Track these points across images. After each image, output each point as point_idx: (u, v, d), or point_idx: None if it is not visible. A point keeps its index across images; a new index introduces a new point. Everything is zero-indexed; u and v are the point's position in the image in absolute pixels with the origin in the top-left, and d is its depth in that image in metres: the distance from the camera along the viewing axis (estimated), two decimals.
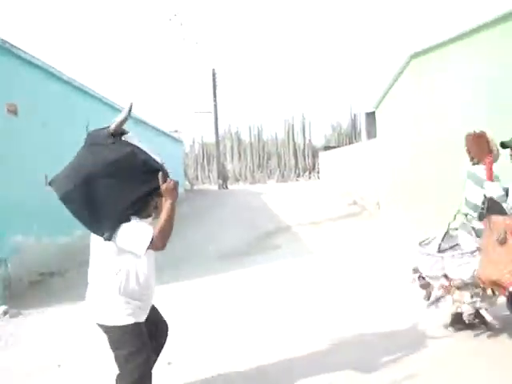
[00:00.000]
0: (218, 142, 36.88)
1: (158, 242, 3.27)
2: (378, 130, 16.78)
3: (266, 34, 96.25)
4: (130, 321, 3.42)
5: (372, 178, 17.89)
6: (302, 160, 44.43)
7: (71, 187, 3.29)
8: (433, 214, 10.86)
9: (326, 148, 35.39)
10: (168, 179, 3.39)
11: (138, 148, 3.47)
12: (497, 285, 4.54)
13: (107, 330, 3.46)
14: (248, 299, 7.34)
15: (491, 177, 5.00)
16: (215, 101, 35.67)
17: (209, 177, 45.23)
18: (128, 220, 3.30)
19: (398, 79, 13.37)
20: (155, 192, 3.39)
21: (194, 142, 49.39)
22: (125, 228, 3.27)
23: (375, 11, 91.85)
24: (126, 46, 79.59)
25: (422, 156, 11.57)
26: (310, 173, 43.03)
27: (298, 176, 43.13)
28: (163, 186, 3.34)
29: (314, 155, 42.30)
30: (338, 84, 77.89)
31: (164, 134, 22.88)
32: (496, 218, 4.66)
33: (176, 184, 3.39)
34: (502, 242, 4.40)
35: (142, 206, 3.41)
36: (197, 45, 38.02)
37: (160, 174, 3.37)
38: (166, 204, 3.35)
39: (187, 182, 32.44)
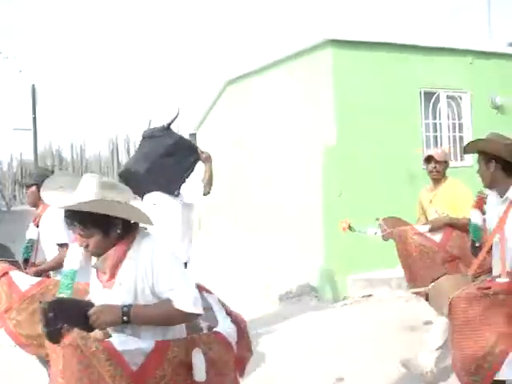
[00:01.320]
0: (36, 160, 34.95)
1: (209, 188, 5.38)
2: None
3: (88, 49, 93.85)
4: None
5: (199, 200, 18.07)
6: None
7: (147, 165, 4.87)
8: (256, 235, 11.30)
9: None
10: (203, 150, 5.29)
11: (181, 134, 5.42)
12: None
13: None
14: None
15: None
16: (34, 117, 33.88)
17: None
18: (184, 182, 5.12)
19: (216, 103, 13.78)
20: (197, 161, 5.26)
21: (11, 160, 46.41)
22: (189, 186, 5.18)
23: (198, 37, 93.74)
24: None
25: (244, 177, 12.02)
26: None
27: None
28: (203, 155, 5.24)
29: None
30: (161, 105, 77.90)
31: None
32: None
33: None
34: None
35: (192, 172, 5.22)
36: (15, 59, 35.78)
37: (198, 148, 5.26)
38: (207, 166, 5.31)
39: (3, 203, 30.39)
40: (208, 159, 5.30)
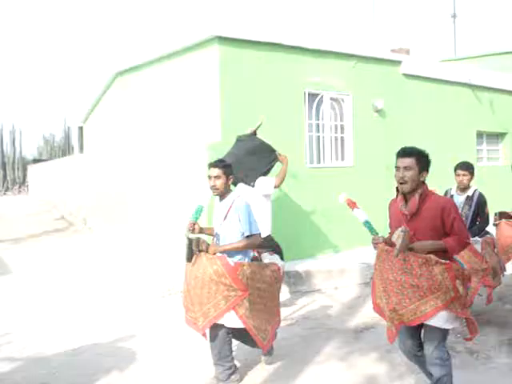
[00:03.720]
0: None
1: (279, 183, 6.79)
2: (86, 144, 16.63)
3: None
4: None
5: (81, 193, 17.62)
6: (11, 173, 41.59)
7: (233, 160, 5.83)
8: (138, 227, 11.15)
9: (36, 161, 33.82)
10: (281, 154, 6.89)
11: (263, 140, 6.92)
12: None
13: None
14: None
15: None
16: None
17: None
18: (260, 176, 6.76)
19: (105, 95, 13.46)
20: (275, 161, 6.90)
21: None
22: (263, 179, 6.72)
23: (90, 27, 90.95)
24: None
25: (129, 171, 11.82)
26: (19, 186, 40.52)
27: (7, 190, 40.30)
28: (280, 157, 6.87)
29: (25, 168, 39.96)
30: (53, 94, 75.16)
31: None
32: None
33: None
34: None
35: (270, 169, 6.90)
36: None
37: (276, 151, 6.88)
38: (284, 165, 6.81)
39: None
40: (284, 160, 6.83)
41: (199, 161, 8.67)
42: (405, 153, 3.88)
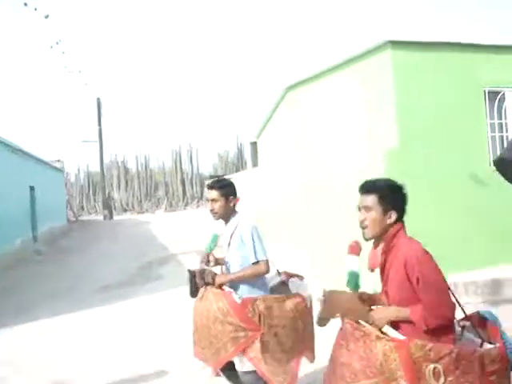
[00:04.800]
0: (102, 171, 36.10)
1: None
2: (260, 159, 17.20)
3: (152, 62, 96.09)
4: None
5: (255, 207, 18.24)
6: (189, 188, 44.41)
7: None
8: (325, 249, 11.24)
9: (213, 177, 35.64)
10: None
11: None
12: None
13: None
14: (122, 334, 7.24)
15: None
16: (100, 130, 35.05)
17: (95, 207, 44.04)
18: None
19: (277, 110, 13.86)
20: None
21: (79, 172, 47.99)
22: None
23: (258, 44, 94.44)
24: (6, 73, 76.36)
25: (309, 187, 12.00)
26: (198, 201, 43.07)
27: (187, 205, 43.03)
28: None
29: (202, 184, 42.41)
30: (225, 113, 79.07)
31: (43, 162, 22.25)
32: None
33: None
34: None
35: None
36: (80, 73, 37.07)
37: None
38: None
39: (71, 213, 31.47)
40: None
41: (376, 170, 8.57)
42: (363, 188, 3.12)
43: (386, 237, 2.93)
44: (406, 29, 8.92)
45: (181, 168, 44.93)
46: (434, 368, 2.57)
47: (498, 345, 2.75)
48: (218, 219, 4.23)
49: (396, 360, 2.61)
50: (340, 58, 9.77)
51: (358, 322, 2.81)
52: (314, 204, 11.22)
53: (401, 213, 2.97)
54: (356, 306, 2.91)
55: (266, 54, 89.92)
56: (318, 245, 11.00)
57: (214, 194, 4.16)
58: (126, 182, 45.79)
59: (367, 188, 3.06)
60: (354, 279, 3.01)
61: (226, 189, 4.22)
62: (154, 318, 7.93)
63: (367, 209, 3.01)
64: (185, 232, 19.97)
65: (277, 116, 13.98)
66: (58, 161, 28.40)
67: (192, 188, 44.46)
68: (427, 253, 2.78)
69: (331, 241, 10.21)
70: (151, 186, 46.02)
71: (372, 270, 3.10)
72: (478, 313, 3.03)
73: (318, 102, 10.88)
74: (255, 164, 21.30)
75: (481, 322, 2.97)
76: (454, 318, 2.80)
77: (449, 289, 2.80)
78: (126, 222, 27.44)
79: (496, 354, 2.67)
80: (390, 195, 2.97)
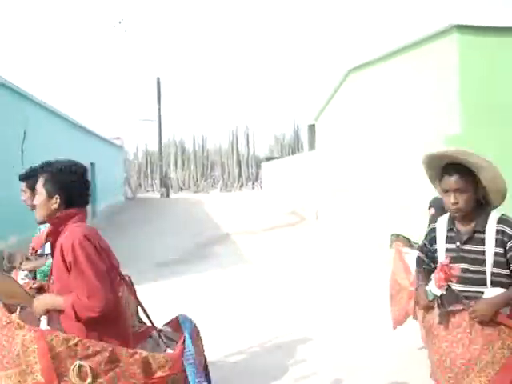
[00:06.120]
0: (161, 150, 36.58)
1: None
2: (318, 141, 17.08)
3: (211, 44, 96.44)
4: None
5: (312, 188, 18.17)
6: (245, 170, 44.57)
7: None
8: (372, 223, 11.14)
9: (269, 159, 35.65)
10: None
11: None
12: None
13: None
14: (178, 309, 7.33)
15: None
16: (159, 109, 35.42)
17: (152, 185, 44.77)
18: None
19: (337, 92, 13.68)
20: None
21: (137, 150, 48.83)
22: None
23: (318, 26, 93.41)
24: (70, 51, 78.17)
25: (360, 166, 11.87)
26: (253, 183, 43.20)
27: (242, 186, 43.22)
28: None
29: (258, 165, 42.48)
30: (283, 96, 78.73)
31: (104, 140, 22.70)
32: None
33: None
34: None
35: None
36: (141, 52, 37.51)
37: None
38: None
39: (129, 191, 32.08)
40: None
41: None
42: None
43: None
44: (473, 12, 8.63)
45: (237, 149, 45.10)
46: (80, 366, 2.33)
47: (172, 350, 2.62)
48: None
49: (35, 352, 2.36)
50: (403, 41, 9.57)
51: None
52: (372, 188, 11.07)
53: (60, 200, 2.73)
54: (18, 290, 2.73)
55: (326, 35, 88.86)
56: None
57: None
58: (183, 162, 46.34)
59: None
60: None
61: None
62: (208, 296, 8.02)
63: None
64: (240, 213, 20.06)
65: (337, 99, 13.81)
66: (118, 138, 28.86)
67: (247, 170, 44.61)
68: (88, 240, 2.54)
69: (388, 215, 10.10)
70: (207, 166, 46.41)
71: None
72: (177, 317, 2.91)
73: (380, 85, 10.70)
74: (312, 147, 21.17)
75: (178, 327, 2.84)
76: (115, 312, 2.55)
77: (113, 283, 2.60)
78: (182, 201, 27.76)
79: (164, 360, 2.49)
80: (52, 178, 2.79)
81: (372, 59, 10.89)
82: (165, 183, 34.70)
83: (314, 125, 18.40)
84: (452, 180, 2.74)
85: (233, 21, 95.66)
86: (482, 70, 8.27)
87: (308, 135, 23.16)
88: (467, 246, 2.76)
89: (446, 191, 2.78)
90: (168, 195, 33.74)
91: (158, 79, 35.27)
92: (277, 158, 34.11)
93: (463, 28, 8.25)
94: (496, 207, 2.83)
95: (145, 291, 8.43)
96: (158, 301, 7.76)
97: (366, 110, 11.42)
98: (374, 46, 10.91)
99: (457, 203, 2.73)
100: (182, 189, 43.52)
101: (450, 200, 2.74)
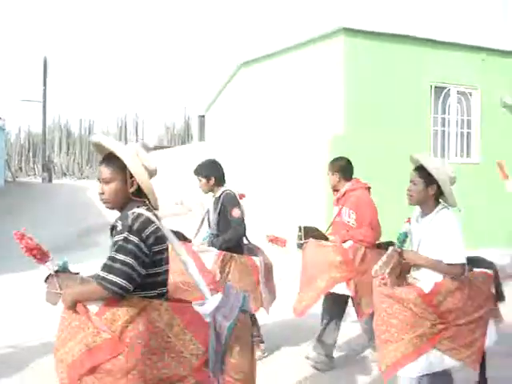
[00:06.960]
0: (44, 133, 35.08)
1: None
2: (208, 132, 17.18)
3: (104, 28, 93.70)
4: None
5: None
6: None
7: None
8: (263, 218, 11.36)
9: (157, 147, 35.29)
10: None
11: None
12: None
13: None
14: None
15: None
16: (45, 90, 33.95)
17: (34, 169, 42.94)
18: None
19: (228, 85, 13.82)
20: None
21: (19, 131, 46.60)
22: None
23: (213, 19, 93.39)
24: None
25: (249, 160, 12.08)
26: None
27: None
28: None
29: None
30: (174, 85, 78.05)
31: None
32: None
33: None
34: None
35: None
36: (28, 30, 35.76)
37: None
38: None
39: (9, 174, 30.59)
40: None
41: (320, 154, 8.72)
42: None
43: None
44: (361, 17, 9.06)
45: (125, 137, 44.24)
46: None
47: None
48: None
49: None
50: (295, 39, 9.85)
51: None
52: (261, 180, 11.31)
53: None
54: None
55: (220, 29, 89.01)
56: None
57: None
58: (68, 146, 44.82)
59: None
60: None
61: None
62: None
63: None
64: None
65: (228, 91, 13.96)
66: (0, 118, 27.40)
67: None
68: None
69: (277, 214, 10.37)
70: (93, 152, 45.14)
71: None
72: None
73: (271, 81, 10.95)
74: (202, 138, 21.23)
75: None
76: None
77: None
78: (66, 187, 26.87)
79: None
80: None
81: (264, 54, 11.09)
82: (47, 168, 33.38)
83: (204, 116, 18.48)
84: None
85: (127, 5, 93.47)
86: (365, 72, 8.70)
87: (198, 126, 23.21)
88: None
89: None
90: (50, 180, 32.52)
91: (45, 59, 33.83)
92: (167, 147, 33.86)
93: (351, 31, 8.64)
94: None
95: (15, 280, 8.11)
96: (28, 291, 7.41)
97: (256, 104, 11.63)
98: (268, 42, 11.11)
99: None
100: (65, 174, 42.09)
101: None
